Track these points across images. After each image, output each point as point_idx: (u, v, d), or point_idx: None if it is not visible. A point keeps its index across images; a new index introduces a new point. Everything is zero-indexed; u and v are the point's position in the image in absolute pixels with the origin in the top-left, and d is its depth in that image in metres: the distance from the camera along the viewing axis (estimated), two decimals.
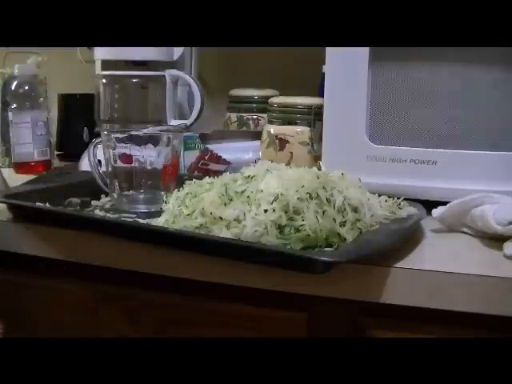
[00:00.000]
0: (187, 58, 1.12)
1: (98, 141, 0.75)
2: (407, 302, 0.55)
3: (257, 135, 0.97)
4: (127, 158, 0.73)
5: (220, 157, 0.95)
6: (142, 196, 0.75)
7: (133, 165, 0.73)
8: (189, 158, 0.95)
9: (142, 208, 0.74)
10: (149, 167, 0.74)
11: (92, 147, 0.75)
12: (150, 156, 0.73)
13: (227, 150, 0.97)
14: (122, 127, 0.95)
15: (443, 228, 0.67)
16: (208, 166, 0.94)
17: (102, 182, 0.76)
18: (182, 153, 0.93)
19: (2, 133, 1.11)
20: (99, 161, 0.76)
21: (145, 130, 0.75)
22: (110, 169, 0.74)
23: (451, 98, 0.73)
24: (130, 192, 0.75)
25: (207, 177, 0.68)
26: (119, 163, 0.73)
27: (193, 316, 0.67)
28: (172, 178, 0.75)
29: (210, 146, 0.97)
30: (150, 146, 0.73)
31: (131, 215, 0.72)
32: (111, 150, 0.73)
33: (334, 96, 0.78)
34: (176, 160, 0.76)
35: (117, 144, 0.72)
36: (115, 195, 0.75)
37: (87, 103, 1.14)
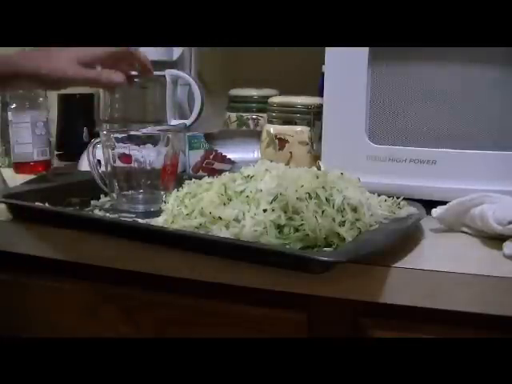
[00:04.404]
0: (187, 58, 1.12)
1: (97, 141, 0.75)
2: (407, 302, 0.55)
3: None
4: (126, 158, 0.73)
5: (225, 156, 0.95)
6: (141, 196, 0.75)
7: (132, 165, 0.73)
8: (193, 157, 0.95)
9: (142, 208, 0.74)
10: (148, 167, 0.74)
11: (91, 147, 0.75)
12: (149, 156, 0.73)
13: (232, 149, 0.97)
14: (122, 127, 0.95)
15: (443, 228, 0.67)
16: (213, 166, 0.94)
17: (102, 181, 0.76)
18: (187, 152, 0.94)
19: (2, 133, 1.11)
20: (99, 161, 0.76)
21: (144, 130, 0.75)
22: (109, 169, 0.74)
23: (451, 97, 0.73)
24: (130, 192, 0.75)
25: (206, 176, 0.68)
26: (118, 163, 0.73)
27: (193, 316, 0.67)
28: (171, 177, 0.75)
29: (215, 146, 0.97)
30: (149, 145, 0.73)
31: (130, 215, 0.72)
32: (110, 150, 0.73)
33: (334, 96, 0.78)
34: (175, 160, 0.76)
35: (116, 144, 0.72)
36: (114, 195, 0.75)
37: (87, 103, 1.15)
